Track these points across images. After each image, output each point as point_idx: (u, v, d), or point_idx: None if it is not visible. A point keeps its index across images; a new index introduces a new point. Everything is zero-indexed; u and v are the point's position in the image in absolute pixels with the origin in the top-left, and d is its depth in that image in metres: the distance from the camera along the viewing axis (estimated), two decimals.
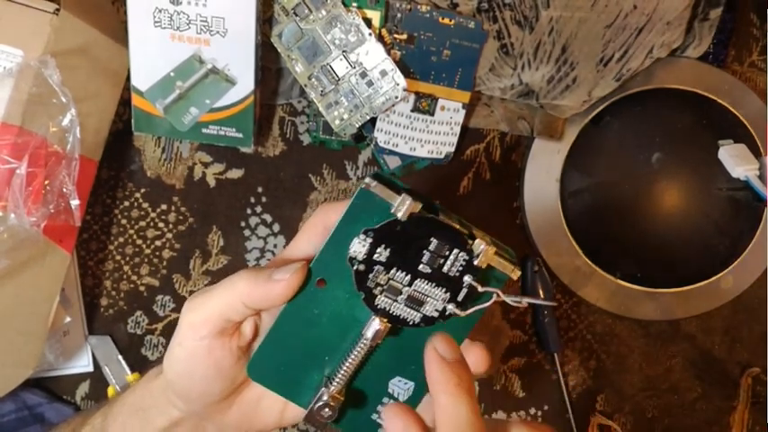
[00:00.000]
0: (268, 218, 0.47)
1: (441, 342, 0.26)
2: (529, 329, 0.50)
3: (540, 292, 0.48)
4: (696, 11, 0.43)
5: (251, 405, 0.32)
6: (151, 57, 0.40)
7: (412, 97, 0.42)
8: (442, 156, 0.45)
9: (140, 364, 0.46)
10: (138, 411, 0.32)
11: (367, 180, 0.26)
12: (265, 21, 0.41)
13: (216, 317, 0.28)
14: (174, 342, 0.29)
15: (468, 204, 0.47)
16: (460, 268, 0.27)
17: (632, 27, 0.42)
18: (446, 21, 0.41)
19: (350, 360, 0.27)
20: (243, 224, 0.46)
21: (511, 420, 0.27)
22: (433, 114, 0.43)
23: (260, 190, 0.46)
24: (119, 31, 0.40)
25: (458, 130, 0.44)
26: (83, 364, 0.46)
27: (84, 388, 0.46)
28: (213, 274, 0.47)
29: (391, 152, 0.44)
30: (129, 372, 0.46)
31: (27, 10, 0.35)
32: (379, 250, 0.26)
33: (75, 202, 0.38)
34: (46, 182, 0.37)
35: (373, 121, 0.43)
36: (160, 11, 0.39)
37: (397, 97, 0.41)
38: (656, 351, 0.51)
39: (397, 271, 0.27)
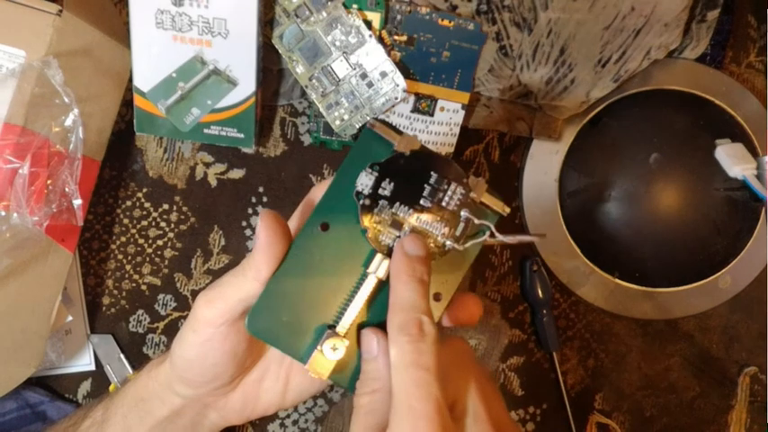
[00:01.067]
0: None
1: (408, 240, 0.28)
2: (528, 328, 0.50)
3: (539, 292, 0.48)
4: (694, 12, 0.43)
5: (253, 387, 0.32)
6: (153, 58, 0.40)
7: (412, 98, 0.43)
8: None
9: (142, 363, 0.47)
10: (139, 403, 0.32)
11: (370, 121, 0.28)
12: (267, 22, 0.41)
13: (234, 305, 0.28)
14: (188, 328, 0.29)
15: None
16: (458, 202, 0.28)
17: (630, 29, 0.42)
18: (445, 22, 0.41)
19: (356, 300, 0.28)
20: (244, 224, 0.47)
21: (452, 337, 0.29)
22: (432, 115, 0.43)
23: (261, 190, 0.46)
24: (121, 33, 0.40)
25: (457, 130, 0.44)
26: (85, 363, 0.46)
27: (85, 386, 0.46)
28: (215, 274, 0.47)
29: None
30: (130, 370, 0.46)
31: (30, 11, 0.35)
32: (383, 184, 0.28)
33: (77, 202, 0.38)
34: (48, 182, 0.37)
35: None
36: (162, 12, 0.39)
37: (396, 98, 0.41)
38: (654, 350, 0.51)
39: (401, 205, 0.28)
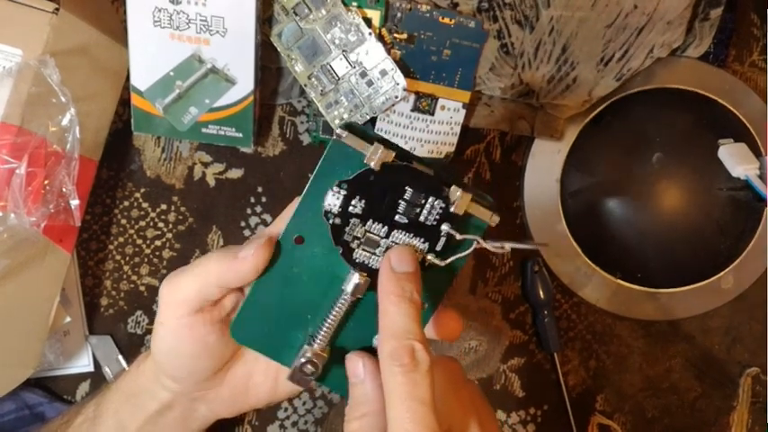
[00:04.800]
0: (268, 218, 0.47)
1: (395, 255, 0.26)
2: (529, 329, 0.50)
3: (540, 293, 0.48)
4: (696, 11, 0.43)
5: (241, 381, 0.32)
6: (151, 56, 0.40)
7: (412, 97, 0.42)
8: (442, 155, 0.44)
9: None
10: (130, 397, 0.32)
11: (338, 131, 0.25)
12: (265, 20, 0.41)
13: (192, 297, 0.28)
14: (157, 322, 0.29)
15: None
16: (437, 216, 0.26)
17: (633, 27, 0.42)
18: (446, 20, 0.41)
19: (332, 316, 0.27)
20: (243, 224, 0.46)
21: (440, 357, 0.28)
22: (433, 114, 0.43)
23: (260, 190, 0.46)
24: (118, 31, 0.40)
25: (458, 129, 0.44)
26: (83, 364, 0.46)
27: (84, 388, 0.46)
28: None
29: None
30: None
31: (26, 9, 0.35)
32: (354, 202, 0.26)
33: (74, 202, 0.38)
34: (45, 182, 0.37)
35: (373, 120, 0.43)
36: (160, 10, 0.39)
37: (397, 97, 0.41)
38: (656, 351, 0.51)
39: (374, 223, 0.26)
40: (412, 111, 0.43)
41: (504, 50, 0.42)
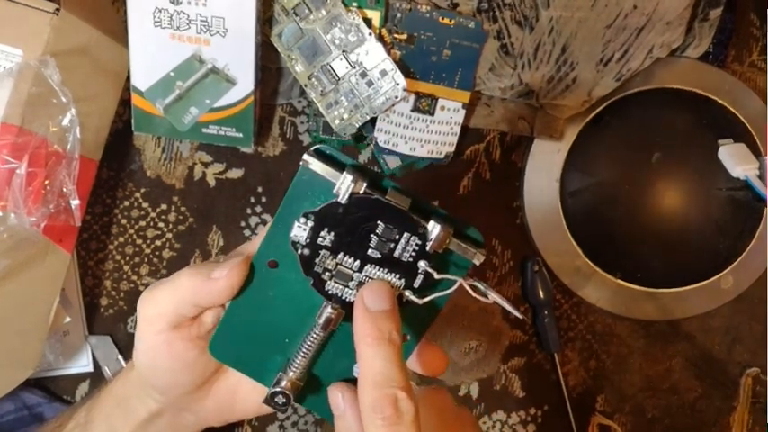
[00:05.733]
0: (268, 218, 0.47)
1: (368, 292, 0.25)
2: (529, 329, 0.50)
3: (540, 293, 0.48)
4: (696, 11, 0.43)
5: (227, 394, 0.32)
6: (151, 56, 0.40)
7: (412, 97, 0.42)
8: (442, 156, 0.45)
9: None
10: (121, 402, 0.32)
11: (305, 157, 0.23)
12: (265, 21, 0.41)
13: (169, 311, 0.27)
14: (136, 336, 0.29)
15: (468, 204, 0.47)
16: (413, 253, 0.24)
17: (632, 27, 0.42)
18: (446, 21, 0.41)
19: (305, 347, 0.26)
20: (243, 224, 0.46)
21: (424, 388, 0.27)
22: (432, 114, 0.43)
23: (260, 190, 0.46)
24: (119, 31, 0.40)
25: (458, 129, 0.44)
26: (83, 364, 0.46)
27: (83, 388, 0.46)
28: None
29: (391, 152, 0.44)
30: None
31: (27, 10, 0.35)
32: (323, 234, 0.24)
33: (75, 202, 0.38)
34: (46, 182, 0.37)
35: (373, 121, 0.43)
36: (160, 11, 0.39)
37: (397, 97, 0.41)
38: (656, 351, 0.51)
39: (345, 256, 0.25)
40: (412, 111, 0.43)
41: (503, 51, 0.42)
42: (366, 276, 0.25)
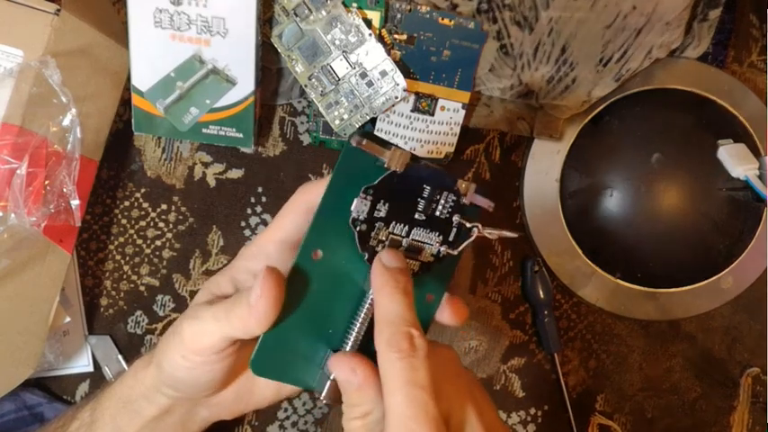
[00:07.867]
0: (268, 218, 0.47)
1: (385, 254, 0.27)
2: (529, 329, 0.50)
3: (540, 293, 0.48)
4: (695, 11, 0.43)
5: (246, 383, 0.32)
6: (151, 57, 0.40)
7: (412, 97, 0.42)
8: (442, 156, 0.45)
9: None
10: (127, 404, 0.32)
11: (356, 138, 0.26)
12: (266, 21, 0.41)
13: (216, 343, 0.28)
14: (176, 351, 0.29)
15: None
16: (450, 209, 0.28)
17: (631, 28, 0.42)
18: (446, 21, 0.41)
19: (358, 324, 0.27)
20: (243, 224, 0.46)
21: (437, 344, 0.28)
22: (432, 114, 0.43)
23: (260, 190, 0.46)
24: (119, 32, 0.40)
25: (457, 130, 0.44)
26: (83, 364, 0.46)
27: (83, 388, 0.46)
28: (213, 274, 0.46)
29: None
30: None
31: (28, 10, 0.35)
32: (378, 206, 0.27)
33: (75, 202, 0.38)
34: (46, 182, 0.37)
35: (373, 121, 0.43)
36: (161, 11, 0.39)
37: (396, 97, 0.41)
38: (655, 351, 0.51)
39: (396, 224, 0.27)
40: (412, 111, 0.43)
41: (503, 51, 0.42)
42: (413, 240, 0.28)
